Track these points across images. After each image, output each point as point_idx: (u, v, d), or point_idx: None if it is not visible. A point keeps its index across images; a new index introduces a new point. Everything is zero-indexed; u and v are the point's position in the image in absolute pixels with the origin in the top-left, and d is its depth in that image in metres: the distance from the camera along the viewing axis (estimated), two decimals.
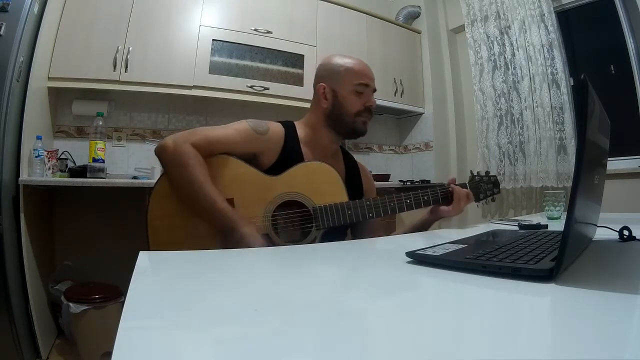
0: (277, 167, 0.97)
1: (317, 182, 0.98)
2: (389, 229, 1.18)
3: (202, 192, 0.86)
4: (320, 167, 1.00)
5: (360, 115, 1.04)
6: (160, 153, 0.91)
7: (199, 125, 2.44)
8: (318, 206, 0.95)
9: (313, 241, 0.95)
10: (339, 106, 1.03)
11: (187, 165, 0.87)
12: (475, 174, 1.16)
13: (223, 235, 0.88)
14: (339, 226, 0.98)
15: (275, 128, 1.02)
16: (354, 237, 1.14)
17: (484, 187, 1.13)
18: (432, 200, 1.05)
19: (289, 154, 0.99)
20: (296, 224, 0.96)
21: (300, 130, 1.06)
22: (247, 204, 0.92)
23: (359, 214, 0.97)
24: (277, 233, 0.94)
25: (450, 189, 1.06)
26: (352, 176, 1.13)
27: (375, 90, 1.07)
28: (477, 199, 1.13)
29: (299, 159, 1.01)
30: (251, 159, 0.97)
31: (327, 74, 1.06)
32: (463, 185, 1.10)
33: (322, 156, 1.05)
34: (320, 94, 1.05)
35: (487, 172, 1.17)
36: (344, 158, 1.15)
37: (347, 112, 1.03)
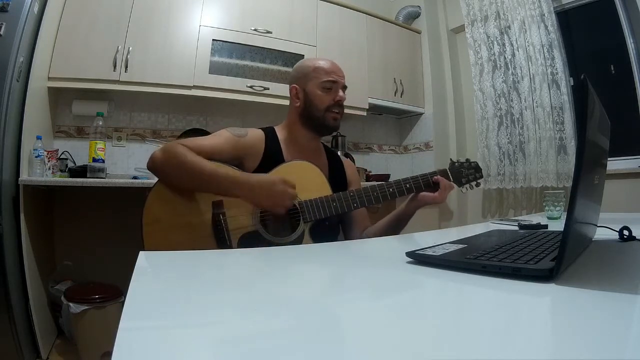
0: (262, 169, 1.01)
1: (301, 179, 1.00)
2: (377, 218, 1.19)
3: (203, 169, 0.91)
4: (302, 165, 1.04)
5: (330, 110, 1.07)
6: (152, 163, 0.95)
7: (199, 125, 2.44)
8: (303, 200, 0.98)
9: (302, 235, 0.98)
10: (309, 104, 1.07)
11: (181, 155, 0.91)
12: (456, 161, 1.16)
13: (244, 196, 0.92)
14: (327, 219, 1.01)
15: (255, 131, 1.07)
16: (344, 228, 1.16)
17: (466, 172, 1.13)
18: (414, 187, 1.06)
19: (271, 155, 1.04)
20: (284, 219, 0.98)
21: (280, 132, 1.11)
22: (236, 204, 0.94)
23: (343, 205, 1.00)
24: (266, 229, 0.97)
25: (434, 178, 1.06)
26: (335, 170, 1.16)
27: (345, 87, 1.11)
28: (460, 184, 1.13)
29: (281, 159, 1.05)
30: (237, 165, 1.01)
31: (298, 76, 1.11)
32: (443, 172, 1.11)
33: (303, 154, 1.09)
34: (293, 94, 1.10)
35: (467, 159, 1.18)
36: (327, 154, 1.19)
37: (317, 108, 1.07)
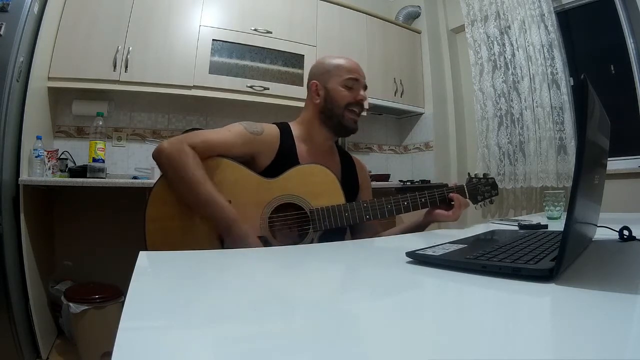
0: (274, 167, 0.98)
1: (313, 183, 0.98)
2: (387, 228, 1.18)
3: (200, 190, 0.87)
4: (316, 169, 1.01)
5: (350, 109, 1.06)
6: (157, 156, 0.91)
7: (199, 125, 2.44)
8: (315, 208, 0.96)
9: (310, 243, 0.96)
10: (330, 100, 1.05)
11: (185, 165, 0.87)
12: (473, 175, 1.16)
13: (222, 233, 0.89)
14: (337, 228, 0.98)
15: (270, 129, 1.03)
16: (353, 237, 1.14)
17: (482, 189, 1.13)
18: (429, 202, 1.05)
19: (285, 153, 1.01)
20: (293, 226, 0.96)
21: (295, 129, 1.08)
22: (245, 207, 0.92)
23: (355, 216, 0.98)
24: (274, 235, 0.95)
25: (449, 195, 1.06)
26: (348, 172, 1.14)
27: (366, 87, 1.10)
28: (475, 201, 1.12)
29: (295, 157, 1.02)
30: (248, 161, 0.98)
31: (319, 72, 1.09)
32: (460, 187, 1.10)
33: (318, 153, 1.07)
34: (313, 90, 1.07)
35: (485, 175, 1.17)
36: (340, 154, 1.17)
37: (338, 105, 1.05)
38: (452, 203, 1.06)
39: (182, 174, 0.87)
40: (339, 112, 1.05)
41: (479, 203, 1.13)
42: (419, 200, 1.04)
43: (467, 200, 1.09)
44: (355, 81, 1.06)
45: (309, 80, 1.10)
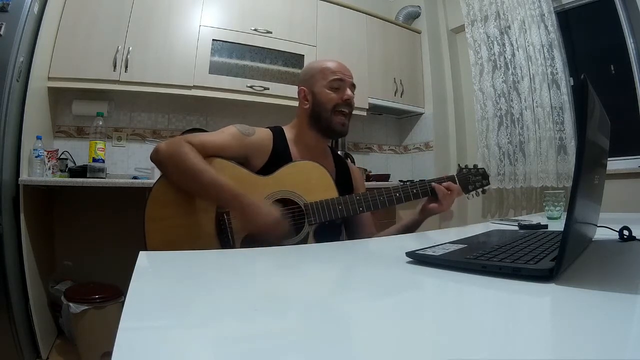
0: (268, 168, 1.00)
1: (307, 180, 1.00)
2: (383, 226, 1.18)
3: (204, 176, 0.89)
4: (310, 165, 1.03)
5: (337, 110, 1.06)
6: (155, 155, 0.93)
7: (199, 125, 2.44)
8: (309, 202, 0.97)
9: (306, 236, 0.97)
10: (317, 104, 1.06)
11: (185, 156, 0.89)
12: (463, 167, 1.16)
13: (232, 210, 0.92)
14: (332, 222, 1.00)
15: (262, 131, 1.06)
16: (348, 232, 1.16)
17: (473, 179, 1.13)
18: (421, 193, 1.05)
19: (279, 155, 1.03)
20: (289, 220, 0.97)
21: (288, 132, 1.10)
22: None
23: (349, 209, 0.99)
24: None
25: (433, 185, 1.06)
26: (342, 175, 1.15)
27: (354, 85, 1.09)
28: (466, 191, 1.13)
29: (288, 159, 1.04)
30: (242, 163, 0.99)
31: (306, 77, 1.10)
32: (450, 177, 1.10)
33: (311, 155, 1.08)
34: (302, 97, 1.09)
35: (475, 165, 1.17)
36: (334, 159, 1.18)
37: (325, 107, 1.05)
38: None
39: (184, 165, 0.89)
40: (327, 115, 1.06)
41: (471, 192, 1.14)
42: (410, 192, 1.04)
43: (458, 187, 1.09)
44: (340, 81, 1.06)
45: (298, 86, 1.11)
